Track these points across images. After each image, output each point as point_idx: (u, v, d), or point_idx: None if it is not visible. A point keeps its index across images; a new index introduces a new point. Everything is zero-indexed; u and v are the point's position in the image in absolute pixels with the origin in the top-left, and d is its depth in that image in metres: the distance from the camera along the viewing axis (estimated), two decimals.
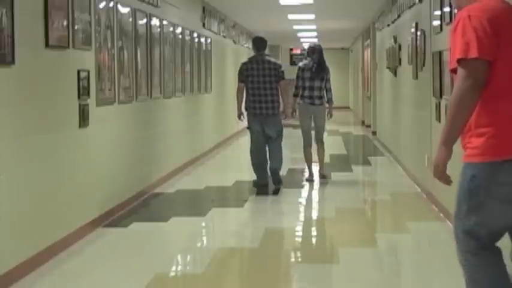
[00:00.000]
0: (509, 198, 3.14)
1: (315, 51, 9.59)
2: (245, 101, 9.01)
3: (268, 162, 9.01)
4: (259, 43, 9.04)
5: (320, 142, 9.77)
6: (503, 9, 3.24)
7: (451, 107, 3.17)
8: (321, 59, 9.56)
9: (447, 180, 3.24)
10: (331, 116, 9.82)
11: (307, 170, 9.89)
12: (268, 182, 8.99)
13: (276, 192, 8.80)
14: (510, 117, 3.14)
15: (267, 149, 9.03)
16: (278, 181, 8.96)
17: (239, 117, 9.27)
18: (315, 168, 9.89)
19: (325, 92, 9.60)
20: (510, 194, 3.13)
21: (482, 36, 3.12)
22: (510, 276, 3.21)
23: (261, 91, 8.83)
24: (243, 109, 9.17)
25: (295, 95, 9.64)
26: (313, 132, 9.79)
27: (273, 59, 9.06)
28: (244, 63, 9.04)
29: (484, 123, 3.17)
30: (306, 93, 9.51)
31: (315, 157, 9.83)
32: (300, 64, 9.72)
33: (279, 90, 8.92)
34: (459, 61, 3.15)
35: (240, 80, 8.96)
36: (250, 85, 8.86)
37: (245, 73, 8.89)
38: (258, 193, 8.77)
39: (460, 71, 3.16)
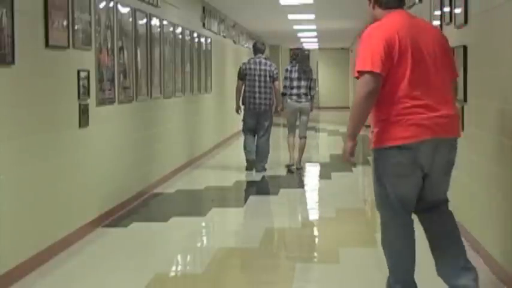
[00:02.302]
0: (401, 173, 4.02)
1: (298, 55, 10.93)
2: (242, 97, 10.47)
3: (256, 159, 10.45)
4: (258, 47, 10.52)
5: (303, 138, 10.84)
6: (405, 26, 4.03)
7: (353, 109, 4.06)
8: (304, 61, 10.77)
9: (353, 163, 4.21)
10: (311, 110, 10.86)
11: (288, 157, 10.89)
12: (253, 168, 10.47)
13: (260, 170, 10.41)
14: (399, 114, 3.96)
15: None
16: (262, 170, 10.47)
17: (237, 111, 10.81)
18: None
19: (309, 90, 10.71)
20: (401, 171, 4.02)
21: (376, 54, 3.91)
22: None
23: (256, 89, 10.31)
24: (240, 104, 10.68)
25: (284, 94, 10.72)
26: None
27: (269, 62, 10.54)
28: (243, 63, 10.56)
29: (380, 119, 4.04)
30: (294, 91, 10.61)
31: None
32: (288, 67, 10.82)
33: (273, 89, 10.41)
34: (358, 72, 3.97)
35: (239, 78, 10.48)
36: (247, 83, 10.37)
37: (243, 72, 10.40)
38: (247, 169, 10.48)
39: (359, 80, 3.98)
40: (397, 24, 4.02)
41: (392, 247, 4.16)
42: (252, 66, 10.35)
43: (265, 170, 10.49)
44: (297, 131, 10.84)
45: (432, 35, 4.10)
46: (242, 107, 10.65)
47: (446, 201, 4.26)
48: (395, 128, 3.97)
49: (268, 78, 10.31)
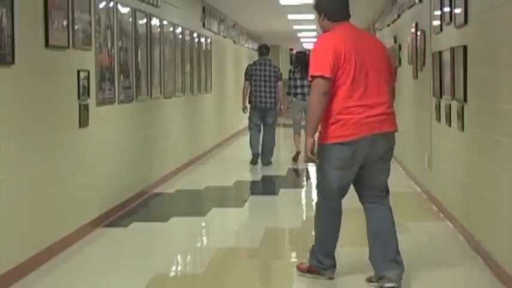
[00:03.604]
0: (343, 167, 4.69)
1: (300, 57, 11.68)
2: (249, 96, 11.28)
3: (261, 154, 11.28)
4: (263, 49, 11.38)
5: None
6: (350, 37, 4.71)
7: (309, 110, 4.65)
8: (305, 62, 11.20)
9: (314, 161, 4.72)
10: None
11: (294, 150, 11.75)
12: (257, 162, 11.27)
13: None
14: (341, 113, 4.60)
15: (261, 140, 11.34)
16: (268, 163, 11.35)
17: (243, 110, 11.54)
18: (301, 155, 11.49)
19: None
20: (343, 164, 4.68)
21: (326, 61, 4.57)
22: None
23: (261, 88, 11.09)
24: (246, 103, 11.41)
25: (289, 94, 11.58)
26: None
27: (273, 63, 11.39)
28: (249, 65, 11.42)
29: (325, 117, 4.64)
30: (299, 91, 11.44)
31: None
32: (291, 68, 11.75)
33: (277, 89, 11.21)
34: (311, 76, 4.61)
35: (245, 79, 11.27)
36: (253, 83, 11.13)
37: (249, 73, 11.20)
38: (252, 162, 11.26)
39: (312, 84, 4.62)
40: (343, 36, 4.71)
41: (325, 224, 4.95)
42: (258, 67, 11.16)
43: (271, 163, 11.26)
44: (302, 131, 10.97)
45: (375, 47, 4.80)
46: (248, 106, 11.40)
47: (387, 192, 4.93)
48: (338, 127, 4.62)
49: (272, 79, 11.11)
